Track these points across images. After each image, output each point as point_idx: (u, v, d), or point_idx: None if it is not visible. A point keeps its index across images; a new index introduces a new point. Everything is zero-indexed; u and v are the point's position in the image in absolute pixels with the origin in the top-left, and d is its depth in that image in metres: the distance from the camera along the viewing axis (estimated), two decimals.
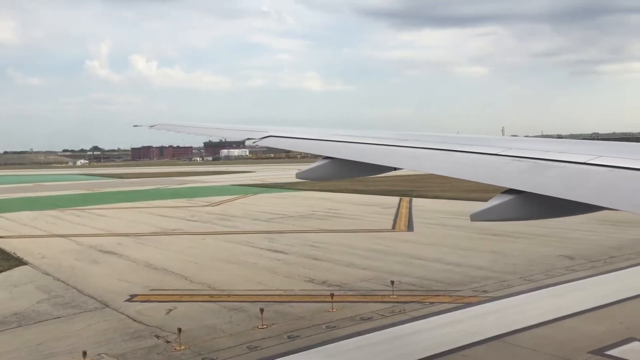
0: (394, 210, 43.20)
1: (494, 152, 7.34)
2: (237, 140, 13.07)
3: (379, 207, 45.84)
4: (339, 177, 9.55)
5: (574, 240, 28.33)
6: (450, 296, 18.76)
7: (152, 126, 16.00)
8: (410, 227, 34.84)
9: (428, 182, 77.55)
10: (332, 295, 17.91)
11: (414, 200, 51.86)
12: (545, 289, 19.22)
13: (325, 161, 9.24)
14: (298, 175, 9.55)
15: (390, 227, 35.05)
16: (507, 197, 6.18)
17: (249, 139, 11.79)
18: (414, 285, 20.33)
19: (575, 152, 6.74)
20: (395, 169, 8.71)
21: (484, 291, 19.20)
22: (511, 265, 22.97)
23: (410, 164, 8.30)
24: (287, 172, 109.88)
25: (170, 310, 18.24)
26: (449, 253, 25.99)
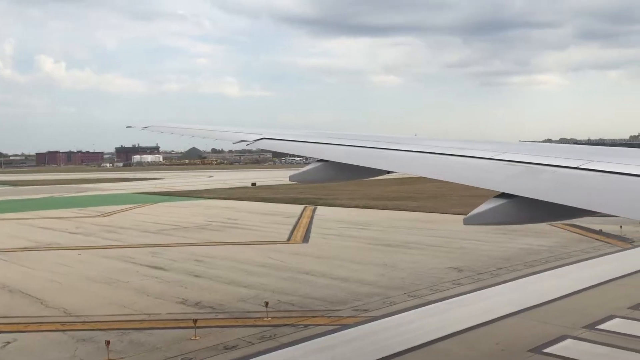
0: (294, 220, 41.85)
1: (488, 157, 7.32)
2: (231, 142, 12.55)
3: (281, 217, 44.37)
4: (332, 180, 9.54)
5: (465, 250, 28.02)
6: (329, 317, 17.45)
7: (145, 127, 15.70)
8: (306, 238, 33.54)
9: (337, 189, 77.14)
10: (195, 321, 16.09)
11: (319, 208, 50.87)
12: (427, 306, 18.32)
13: (319, 164, 9.17)
14: (291, 178, 9.47)
15: (286, 238, 33.61)
16: (500, 201, 6.12)
17: (242, 140, 11.59)
18: (293, 305, 18.90)
19: (568, 156, 6.79)
20: (388, 172, 8.64)
21: (364, 310, 18.05)
22: (399, 280, 22.07)
23: (403, 167, 8.29)
24: (199, 179, 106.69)
25: (8, 343, 15.78)
26: (338, 267, 24.83)
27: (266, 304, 17.70)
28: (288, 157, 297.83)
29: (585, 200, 5.64)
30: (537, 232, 33.61)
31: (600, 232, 32.31)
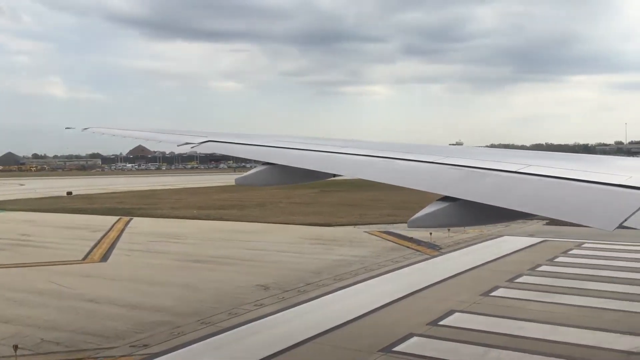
0: (100, 235, 37.55)
1: (433, 160, 7.50)
2: (176, 144, 11.99)
3: (87, 231, 39.73)
4: (279, 183, 9.54)
5: (278, 264, 26.50)
6: (95, 359, 14.57)
7: (84, 129, 15.40)
8: (106, 256, 29.78)
9: (163, 198, 72.89)
10: None
11: (135, 220, 46.83)
12: (220, 335, 16.18)
13: (264, 167, 9.17)
14: (237, 181, 9.50)
15: (82, 257, 29.56)
16: (443, 204, 6.24)
17: (187, 143, 11.36)
18: (58, 344, 15.66)
19: (509, 161, 7.06)
20: (335, 175, 8.73)
21: (144, 345, 15.41)
22: (197, 303, 19.72)
23: (349, 171, 8.44)
24: (6, 188, 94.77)
25: None
26: (132, 291, 21.83)
27: (15, 347, 14.32)
28: (119, 164, 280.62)
29: (523, 203, 5.81)
30: (354, 241, 33.35)
31: (411, 240, 32.81)
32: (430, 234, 33.52)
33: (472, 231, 36.46)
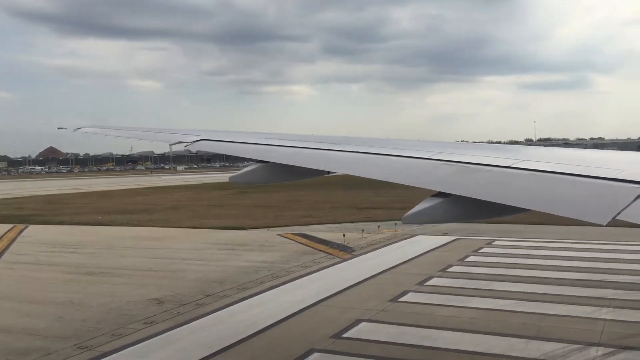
0: None
1: (426, 156, 7.57)
2: (169, 143, 11.80)
3: None
4: (272, 181, 9.60)
5: (179, 274, 24.55)
6: None
7: (77, 129, 15.24)
8: None
9: (67, 202, 68.56)
10: None
11: (31, 227, 43.26)
12: None
13: (258, 165, 9.20)
14: (231, 179, 9.63)
15: None
16: (436, 200, 6.28)
17: (180, 142, 11.25)
18: None
19: (501, 156, 7.35)
20: (329, 172, 8.67)
21: None
22: (78, 323, 17.55)
23: (343, 168, 8.37)
24: None
25: None
26: (6, 310, 19.33)
27: None
28: (27, 167, 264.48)
29: (515, 198, 5.86)
30: (265, 245, 31.85)
31: (325, 242, 31.68)
32: (344, 235, 32.53)
33: (387, 231, 35.84)
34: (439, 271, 23.32)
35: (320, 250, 29.32)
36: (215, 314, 18.16)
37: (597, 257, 25.52)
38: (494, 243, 30.08)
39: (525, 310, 17.36)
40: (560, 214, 5.27)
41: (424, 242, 31.26)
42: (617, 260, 24.55)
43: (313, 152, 9.06)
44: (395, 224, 38.44)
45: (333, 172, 8.50)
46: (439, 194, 6.32)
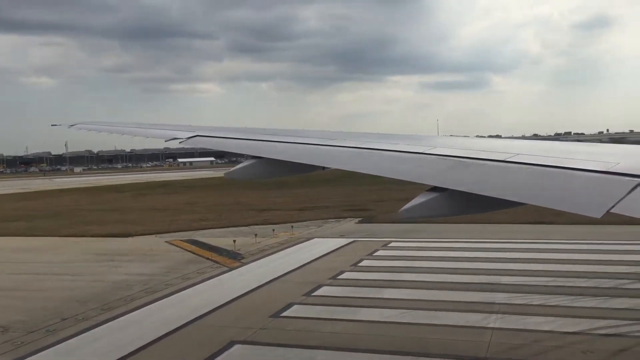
0: None
1: (420, 151, 7.48)
2: (163, 140, 11.74)
3: None
4: (267, 177, 9.44)
5: (42, 293, 21.68)
6: None
7: (71, 125, 15.24)
8: None
9: None
10: None
11: None
12: None
13: (253, 161, 9.17)
14: (227, 175, 9.47)
15: None
16: (432, 195, 6.23)
17: (175, 138, 11.30)
18: None
19: (495, 150, 7.13)
20: (323, 168, 8.69)
21: None
22: None
23: (337, 163, 8.34)
24: None
25: None
26: None
27: None
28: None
29: (509, 192, 5.82)
30: (148, 255, 29.33)
31: (214, 249, 29.62)
32: (234, 241, 30.59)
33: (282, 234, 34.26)
34: (329, 279, 21.94)
35: (208, 259, 27.22)
36: (65, 342, 15.67)
37: (492, 257, 25.07)
38: (389, 245, 29.24)
39: (411, 321, 16.25)
40: (554, 207, 5.24)
41: (319, 246, 29.88)
42: (512, 260, 24.09)
43: (308, 147, 9.09)
44: (292, 226, 36.97)
45: (328, 168, 8.69)
46: (434, 189, 6.31)
